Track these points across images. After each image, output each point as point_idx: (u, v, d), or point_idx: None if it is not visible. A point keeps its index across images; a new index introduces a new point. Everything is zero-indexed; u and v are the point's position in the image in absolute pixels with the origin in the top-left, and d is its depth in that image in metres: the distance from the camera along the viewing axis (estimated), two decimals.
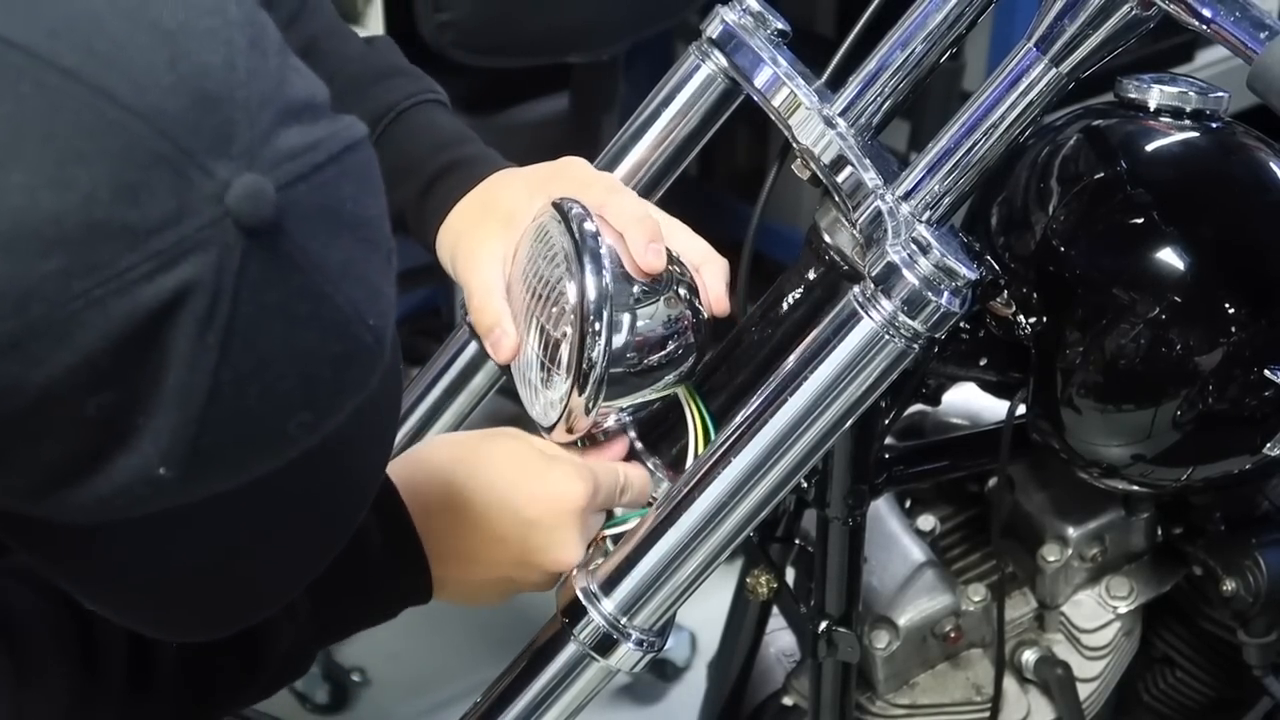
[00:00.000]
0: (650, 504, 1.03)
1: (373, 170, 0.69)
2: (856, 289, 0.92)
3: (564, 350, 0.97)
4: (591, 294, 0.94)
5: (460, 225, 1.06)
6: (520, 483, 0.97)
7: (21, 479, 0.63)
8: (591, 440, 1.04)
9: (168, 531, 0.68)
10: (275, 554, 0.75)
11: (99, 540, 0.68)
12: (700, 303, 1.00)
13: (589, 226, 0.96)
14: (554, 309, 0.97)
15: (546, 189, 1.03)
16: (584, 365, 0.95)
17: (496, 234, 1.04)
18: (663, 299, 0.97)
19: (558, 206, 0.98)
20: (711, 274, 1.01)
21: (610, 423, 1.02)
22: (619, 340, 0.95)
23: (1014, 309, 1.08)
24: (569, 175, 1.07)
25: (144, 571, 0.71)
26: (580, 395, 0.96)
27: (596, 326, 0.94)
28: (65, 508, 0.64)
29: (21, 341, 0.59)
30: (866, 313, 0.91)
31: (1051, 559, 1.26)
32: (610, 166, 1.12)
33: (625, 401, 0.99)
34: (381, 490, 0.94)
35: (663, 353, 0.98)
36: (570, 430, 0.99)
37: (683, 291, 0.99)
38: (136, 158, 0.60)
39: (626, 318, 0.96)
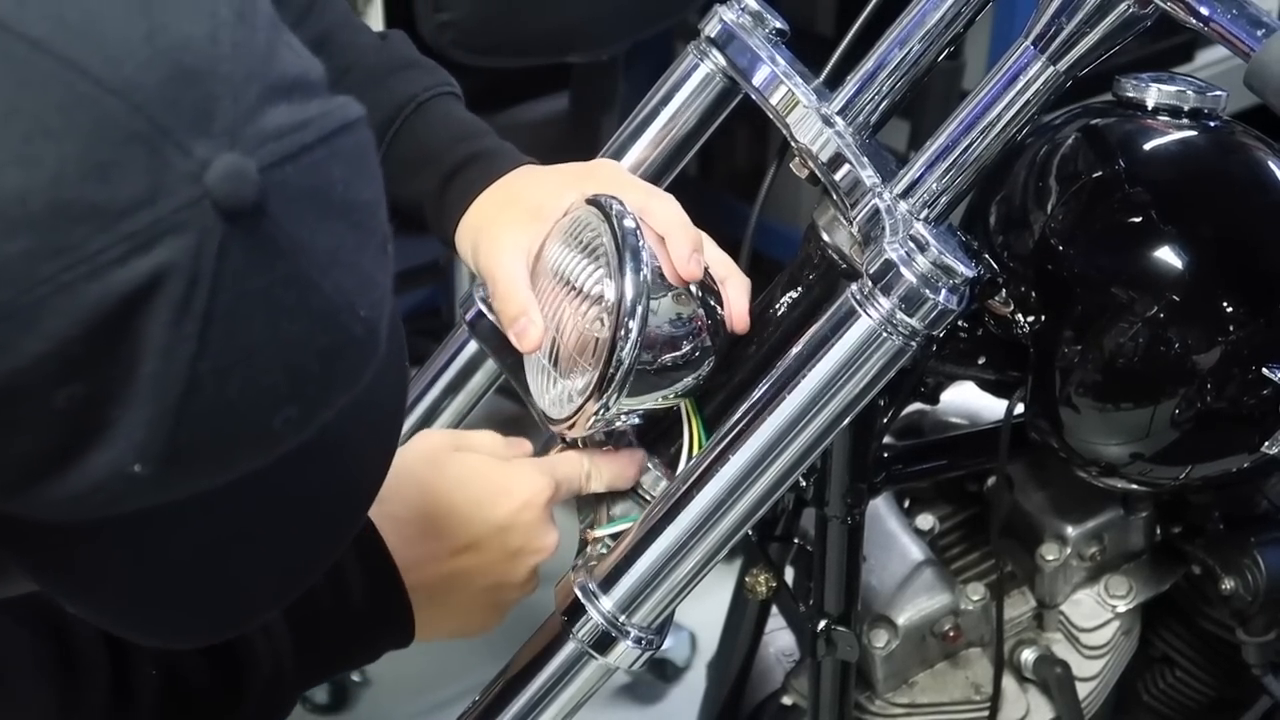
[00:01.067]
0: (646, 501, 1.03)
1: (368, 154, 0.66)
2: (854, 287, 0.92)
3: (590, 345, 0.97)
4: (630, 292, 0.94)
5: (483, 217, 1.05)
6: (484, 492, 0.98)
7: None
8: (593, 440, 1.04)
9: (149, 531, 0.65)
10: (263, 558, 0.72)
11: (77, 540, 0.65)
12: (720, 309, 1.00)
13: (629, 223, 0.95)
14: (582, 302, 0.97)
15: (579, 186, 1.02)
16: (613, 363, 0.94)
17: (522, 225, 1.03)
18: (671, 295, 0.97)
19: (596, 202, 0.98)
20: (735, 289, 1.02)
21: (620, 423, 1.02)
22: (651, 339, 0.95)
23: (1012, 307, 1.08)
24: (604, 175, 1.06)
25: (125, 572, 0.68)
26: (603, 393, 0.95)
27: (630, 325, 0.94)
28: (38, 505, 0.61)
29: None
30: (864, 310, 0.91)
31: (1050, 558, 1.26)
32: None
33: (640, 403, 0.99)
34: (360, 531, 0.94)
35: (676, 354, 0.97)
36: (581, 426, 0.99)
37: (706, 296, 0.99)
38: (108, 135, 0.56)
39: (654, 319, 0.96)
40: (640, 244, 0.95)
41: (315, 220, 0.61)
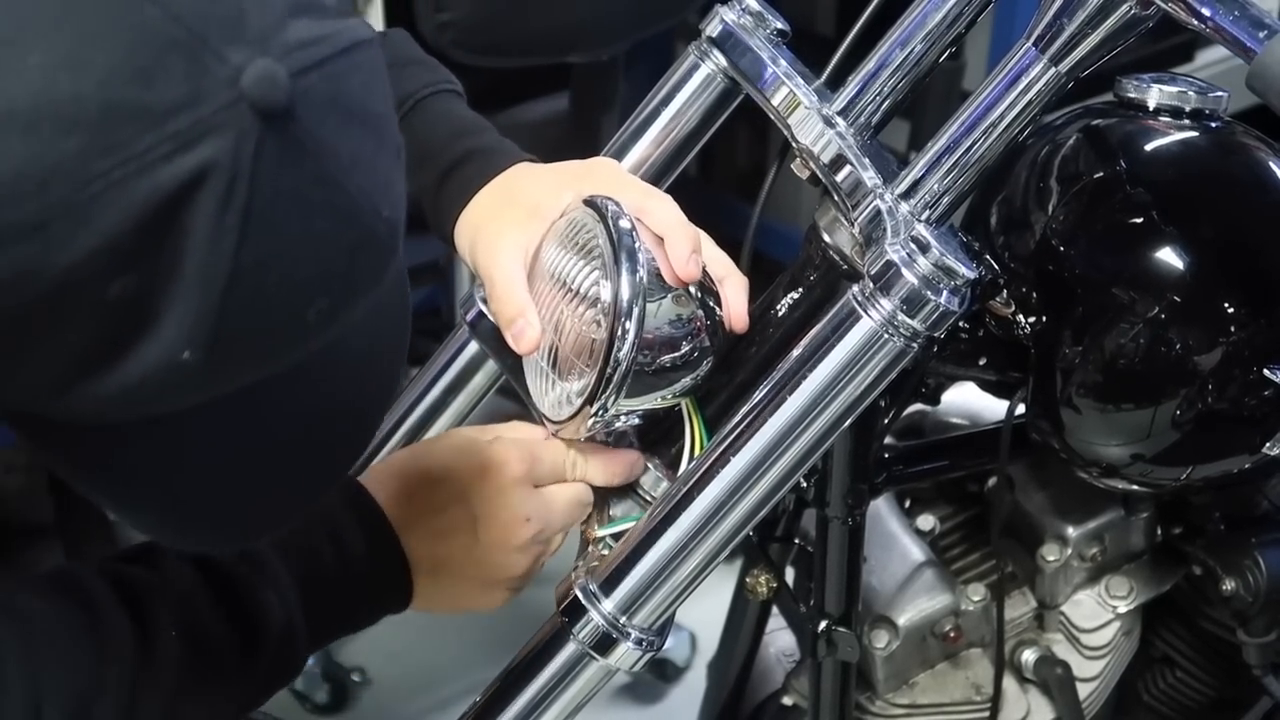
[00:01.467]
0: (647, 502, 1.03)
1: (381, 69, 0.70)
2: (856, 288, 0.92)
3: (587, 346, 0.97)
4: (626, 293, 0.94)
5: (481, 214, 1.06)
6: (457, 464, 0.99)
7: (44, 371, 0.64)
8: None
9: (190, 431, 0.69)
10: (294, 460, 0.76)
11: (121, 442, 0.70)
12: (718, 309, 1.00)
13: (625, 224, 0.95)
14: (579, 304, 0.97)
15: (577, 185, 1.03)
16: (610, 364, 0.94)
17: (520, 225, 1.03)
18: (671, 296, 0.97)
19: (591, 203, 0.98)
20: (733, 289, 1.02)
21: (620, 424, 1.02)
22: (649, 340, 0.95)
23: (1013, 308, 1.08)
24: (602, 175, 1.07)
25: (165, 474, 0.72)
26: (601, 394, 0.95)
27: (627, 325, 0.94)
28: (89, 400, 0.65)
29: (43, 223, 0.60)
30: (866, 312, 0.91)
31: (1051, 558, 1.26)
32: None
33: (639, 404, 0.99)
34: (356, 494, 0.97)
35: (675, 354, 0.97)
36: (581, 427, 0.99)
37: (694, 290, 0.99)
38: (151, 41, 0.61)
39: (649, 319, 0.95)
40: (636, 245, 0.95)
41: (338, 125, 0.66)
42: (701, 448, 1.01)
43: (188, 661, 0.87)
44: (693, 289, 0.98)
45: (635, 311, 0.94)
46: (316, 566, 0.94)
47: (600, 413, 0.97)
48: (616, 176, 1.07)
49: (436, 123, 1.10)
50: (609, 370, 0.95)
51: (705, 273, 1.00)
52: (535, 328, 1.00)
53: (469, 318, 1.17)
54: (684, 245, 0.98)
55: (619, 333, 0.94)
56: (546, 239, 1.01)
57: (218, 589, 0.90)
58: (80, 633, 0.85)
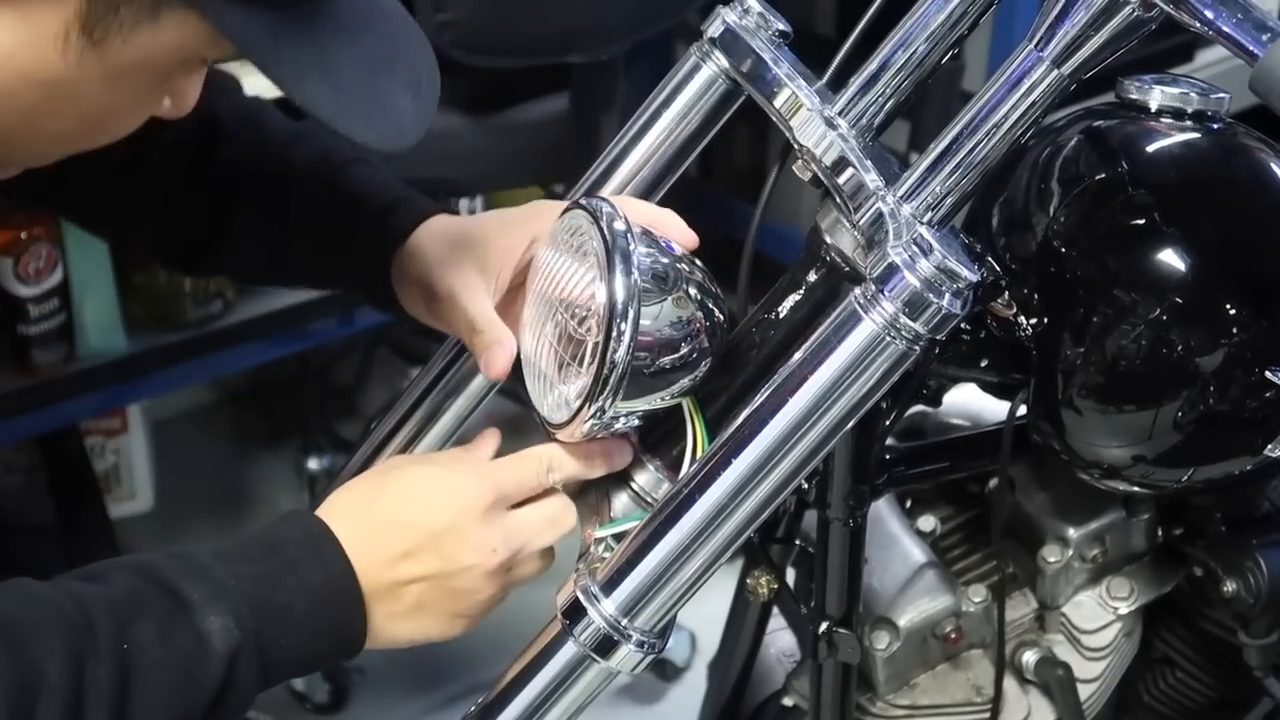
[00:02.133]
0: (647, 503, 1.03)
1: None
2: (857, 290, 0.92)
3: (584, 348, 0.97)
4: (620, 295, 0.94)
5: (434, 248, 1.09)
6: (422, 497, 0.98)
7: None
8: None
9: None
10: None
11: None
12: (718, 311, 1.00)
13: (619, 226, 0.96)
14: (576, 306, 0.97)
15: (529, 224, 1.07)
16: (606, 366, 0.94)
17: (476, 258, 1.07)
18: (671, 298, 0.97)
19: (585, 205, 0.98)
20: (670, 219, 1.05)
21: (619, 425, 1.02)
22: (645, 343, 0.95)
23: (1015, 310, 1.08)
24: (551, 208, 1.09)
25: None
26: (599, 396, 0.95)
27: (623, 327, 0.94)
28: None
29: None
30: (867, 314, 0.91)
31: (1052, 560, 1.26)
32: (611, 167, 1.12)
33: (638, 405, 0.99)
34: (315, 529, 0.96)
35: (675, 355, 0.97)
36: (579, 430, 0.99)
37: (693, 291, 0.99)
38: None
39: (648, 321, 0.95)
40: (630, 247, 0.95)
41: None
42: (703, 449, 1.01)
43: (120, 686, 0.86)
44: (693, 291, 0.98)
45: (630, 313, 0.94)
46: (272, 596, 0.93)
47: (598, 415, 0.97)
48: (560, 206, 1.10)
49: (367, 176, 1.16)
50: (605, 372, 0.95)
51: (706, 274, 1.00)
52: (508, 351, 1.02)
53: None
54: (675, 219, 1.02)
55: (615, 334, 0.94)
56: (541, 244, 1.02)
57: (162, 611, 0.89)
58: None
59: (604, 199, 0.98)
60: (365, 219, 1.14)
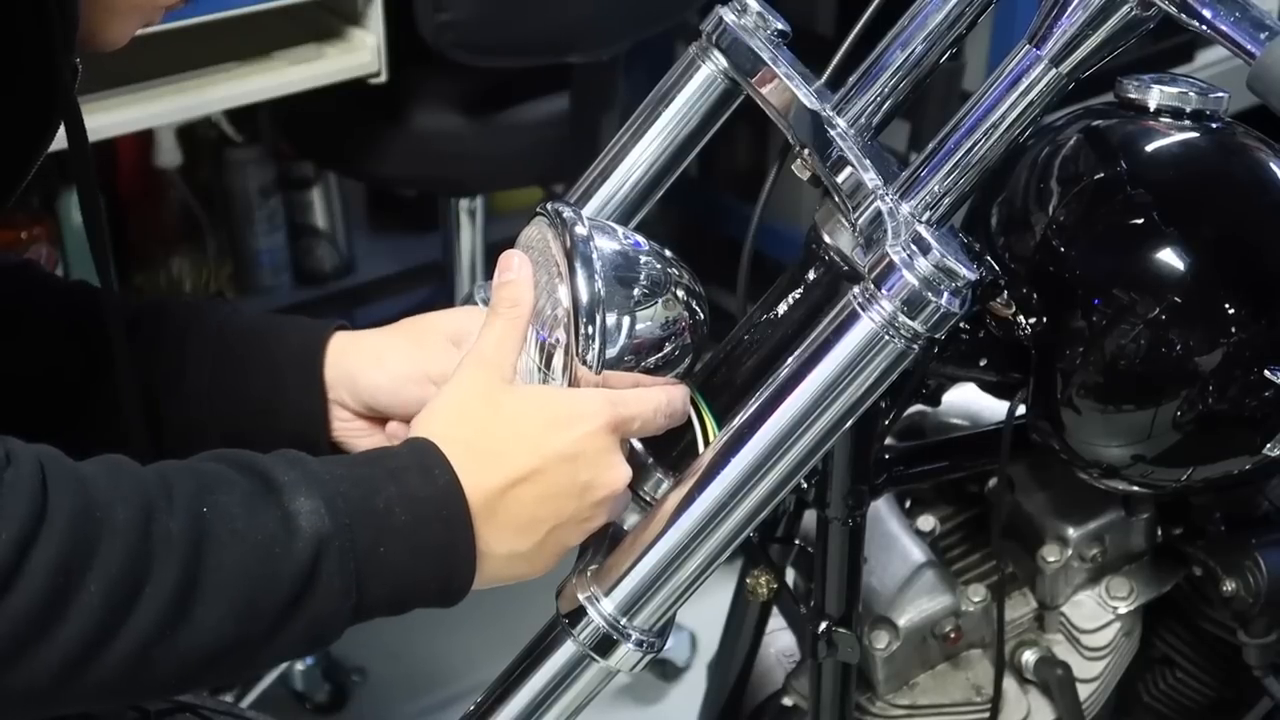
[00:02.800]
0: (647, 503, 1.03)
1: None
2: (856, 289, 0.92)
3: (558, 355, 0.97)
4: (584, 297, 0.94)
5: (367, 349, 1.09)
6: (546, 419, 0.94)
7: None
8: None
9: None
10: None
11: None
12: (700, 309, 1.00)
13: (580, 230, 0.96)
14: (548, 314, 0.98)
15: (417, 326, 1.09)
16: (578, 370, 0.95)
17: (413, 342, 1.09)
18: (661, 301, 0.97)
19: (547, 212, 0.98)
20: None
21: None
22: (617, 343, 0.95)
23: (1014, 309, 1.08)
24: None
25: None
26: None
27: (589, 330, 0.94)
28: None
29: None
30: (866, 313, 0.91)
31: (1051, 559, 1.26)
32: (611, 167, 1.11)
33: None
34: (427, 453, 0.91)
35: (660, 354, 0.98)
36: None
37: (680, 293, 0.99)
38: None
39: (626, 321, 0.96)
40: (591, 249, 0.95)
41: None
42: (714, 435, 1.01)
43: (193, 545, 0.82)
44: (680, 292, 0.99)
45: (598, 316, 0.94)
46: (370, 498, 0.87)
47: None
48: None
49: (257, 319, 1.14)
50: (578, 377, 0.95)
51: (677, 262, 1.00)
52: None
53: None
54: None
55: (581, 337, 0.94)
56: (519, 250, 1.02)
57: (249, 486, 0.85)
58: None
59: (565, 203, 0.99)
60: (272, 344, 1.10)
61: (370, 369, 1.09)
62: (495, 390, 0.96)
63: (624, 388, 0.97)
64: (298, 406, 1.10)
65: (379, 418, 1.11)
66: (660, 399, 0.98)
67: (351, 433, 1.11)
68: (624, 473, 0.96)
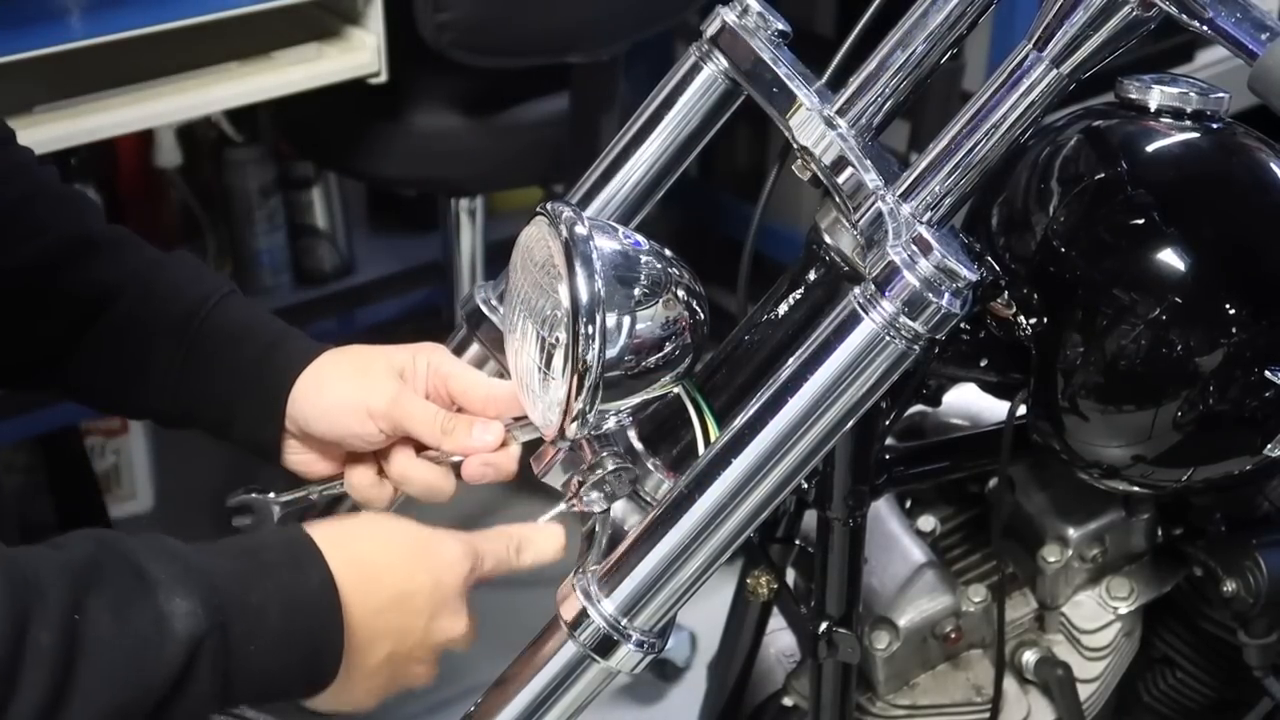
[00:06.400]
0: (648, 504, 1.03)
1: None
2: (857, 290, 0.92)
3: (559, 355, 0.97)
4: (583, 297, 0.94)
5: (345, 381, 1.08)
6: (401, 564, 0.96)
7: None
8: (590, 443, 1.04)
9: None
10: None
11: None
12: (701, 308, 1.00)
13: (580, 230, 0.96)
14: (548, 313, 0.98)
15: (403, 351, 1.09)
16: (579, 368, 0.95)
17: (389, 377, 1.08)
18: (661, 301, 0.97)
19: (548, 212, 0.98)
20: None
21: (610, 424, 1.02)
22: (618, 343, 0.95)
23: (1014, 310, 1.08)
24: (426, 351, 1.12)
25: None
26: (577, 399, 0.96)
27: (589, 329, 0.94)
28: None
29: None
30: (867, 314, 0.91)
31: (1052, 560, 1.26)
32: (611, 168, 1.12)
33: (624, 403, 0.99)
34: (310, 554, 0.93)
35: (660, 354, 0.98)
36: (570, 433, 0.99)
37: (681, 293, 0.99)
38: None
39: (626, 321, 0.96)
40: (590, 248, 0.95)
41: None
42: (714, 434, 1.01)
43: (64, 658, 0.81)
44: (680, 292, 0.99)
45: (598, 315, 0.94)
46: (246, 593, 0.88)
47: (580, 419, 0.97)
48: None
49: (245, 312, 1.13)
50: (579, 376, 0.95)
51: (678, 262, 1.00)
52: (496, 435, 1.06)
53: (469, 317, 1.17)
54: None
55: (581, 337, 0.94)
56: (515, 252, 1.02)
57: (123, 585, 0.84)
58: None
59: (566, 203, 0.99)
60: (248, 356, 1.11)
61: (309, 393, 1.09)
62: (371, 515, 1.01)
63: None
64: (253, 434, 1.11)
65: (332, 447, 1.11)
66: (515, 535, 1.02)
67: (302, 464, 1.12)
68: (464, 627, 0.98)
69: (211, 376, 1.11)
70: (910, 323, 0.90)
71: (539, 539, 1.03)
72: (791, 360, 0.94)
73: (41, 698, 0.80)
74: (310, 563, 0.92)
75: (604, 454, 1.03)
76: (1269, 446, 1.07)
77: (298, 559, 0.92)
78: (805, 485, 1.14)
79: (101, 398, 1.16)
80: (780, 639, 1.44)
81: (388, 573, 0.95)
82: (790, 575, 1.33)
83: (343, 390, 1.08)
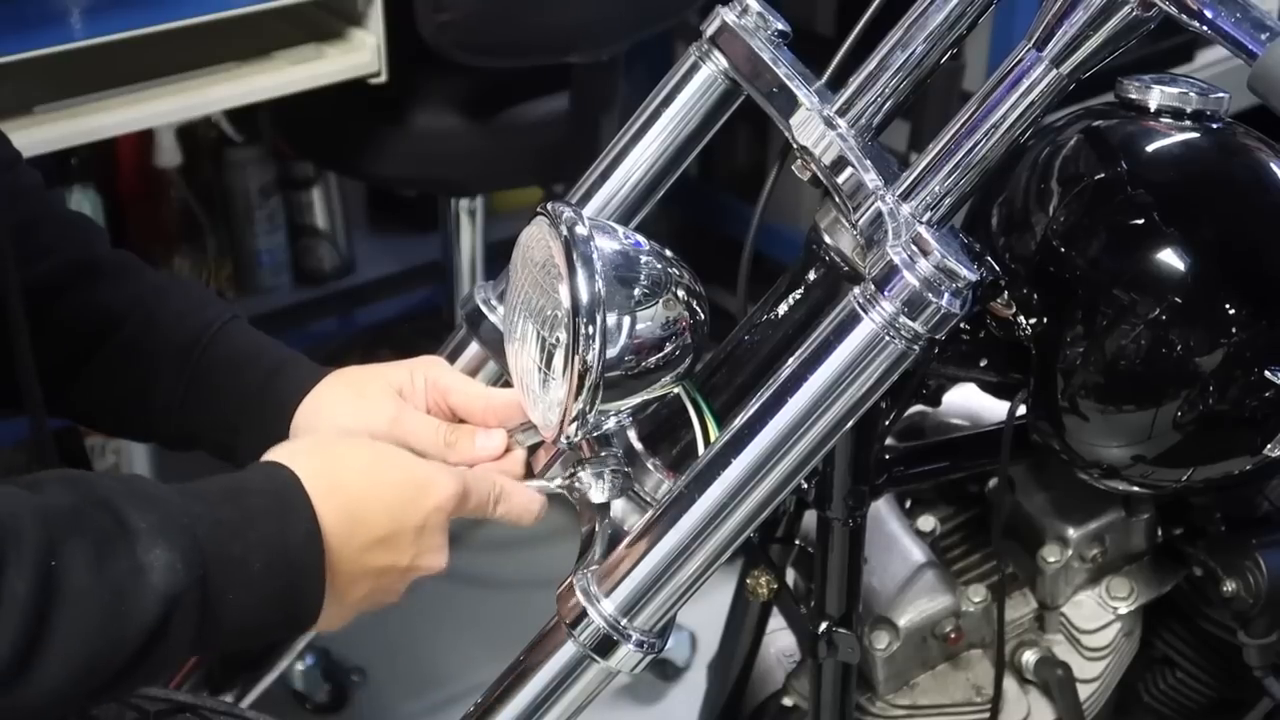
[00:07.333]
0: (647, 504, 1.03)
1: None
2: (857, 290, 0.92)
3: (559, 355, 0.97)
4: (583, 297, 0.94)
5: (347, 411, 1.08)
6: (390, 504, 0.96)
7: None
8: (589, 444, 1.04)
9: None
10: None
11: None
12: (701, 309, 1.00)
13: (580, 230, 0.96)
14: (548, 313, 0.98)
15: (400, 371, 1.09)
16: (579, 369, 0.95)
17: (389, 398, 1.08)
18: (661, 301, 0.97)
19: (548, 212, 0.98)
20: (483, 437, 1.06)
21: (610, 424, 1.02)
22: (618, 344, 0.95)
23: (1014, 310, 1.08)
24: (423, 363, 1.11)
25: None
26: (577, 399, 0.96)
27: (590, 330, 0.94)
28: None
29: None
30: (867, 314, 0.91)
31: (1052, 560, 1.26)
32: (611, 167, 1.12)
33: (624, 403, 0.99)
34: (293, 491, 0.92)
35: (660, 354, 0.98)
36: (570, 434, 0.99)
37: (681, 293, 0.99)
38: None
39: (626, 321, 0.96)
40: (592, 251, 0.95)
41: None
42: (714, 434, 1.01)
43: (38, 606, 0.80)
44: (680, 292, 0.99)
45: (598, 316, 0.94)
46: (228, 544, 0.87)
47: (580, 419, 0.97)
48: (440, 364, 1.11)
49: (249, 337, 1.14)
50: (579, 377, 0.95)
51: (678, 262, 1.00)
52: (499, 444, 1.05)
53: (469, 317, 1.17)
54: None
55: (582, 337, 0.94)
56: (515, 252, 1.02)
57: (101, 533, 0.83)
58: None
59: (566, 203, 0.99)
60: (251, 383, 1.11)
61: (310, 421, 1.09)
62: (362, 441, 1.00)
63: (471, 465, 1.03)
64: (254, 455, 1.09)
65: None
66: (499, 485, 1.02)
67: None
68: (444, 559, 0.99)
69: (214, 404, 1.12)
70: (910, 323, 0.90)
71: (519, 497, 1.03)
72: (791, 360, 0.94)
73: (14, 645, 0.79)
74: (297, 512, 0.91)
75: (604, 455, 1.03)
76: (1269, 446, 1.07)
77: (284, 508, 0.91)
78: (805, 485, 1.14)
79: (105, 422, 1.17)
80: (780, 639, 1.44)
81: (376, 514, 0.95)
82: (790, 575, 1.33)
83: (342, 416, 1.08)
